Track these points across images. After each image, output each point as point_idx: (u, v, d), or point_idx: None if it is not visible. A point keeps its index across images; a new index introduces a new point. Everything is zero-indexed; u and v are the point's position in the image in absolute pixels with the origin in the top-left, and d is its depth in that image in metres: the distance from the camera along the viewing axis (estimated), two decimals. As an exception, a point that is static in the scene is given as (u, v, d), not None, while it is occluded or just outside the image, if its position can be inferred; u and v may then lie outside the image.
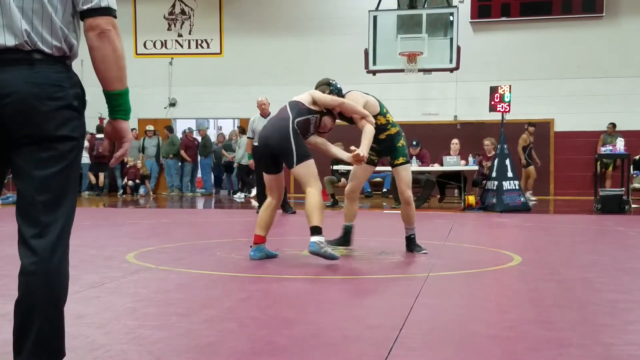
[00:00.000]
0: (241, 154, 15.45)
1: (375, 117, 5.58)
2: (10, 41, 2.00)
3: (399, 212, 6.01)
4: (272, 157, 5.33)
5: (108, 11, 2.08)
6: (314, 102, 5.38)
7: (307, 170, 5.19)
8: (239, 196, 16.12)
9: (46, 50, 2.04)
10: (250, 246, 5.41)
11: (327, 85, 5.62)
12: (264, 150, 5.37)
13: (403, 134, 5.84)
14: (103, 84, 2.12)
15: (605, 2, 15.85)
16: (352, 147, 5.34)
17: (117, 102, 2.14)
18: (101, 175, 16.80)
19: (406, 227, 5.91)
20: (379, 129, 5.62)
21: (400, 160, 5.73)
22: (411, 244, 5.90)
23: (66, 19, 2.07)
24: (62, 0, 2.05)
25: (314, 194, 5.13)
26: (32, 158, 2.03)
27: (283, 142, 5.17)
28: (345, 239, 6.02)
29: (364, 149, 5.32)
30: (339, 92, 5.59)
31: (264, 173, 5.52)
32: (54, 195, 2.06)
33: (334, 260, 5.09)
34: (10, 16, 2.00)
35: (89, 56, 2.08)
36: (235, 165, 16.30)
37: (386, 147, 5.76)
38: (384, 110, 5.73)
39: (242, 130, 16.69)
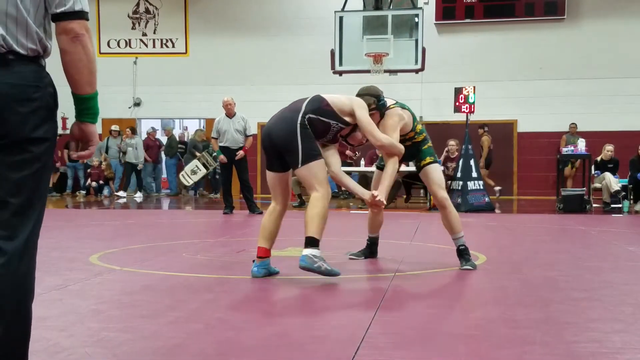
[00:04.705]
0: (133, 154, 16.34)
1: (406, 134, 5.02)
2: None
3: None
4: (276, 152, 4.57)
5: (81, 15, 2.05)
6: (350, 113, 4.58)
7: (313, 172, 4.43)
8: (123, 194, 16.22)
9: (21, 51, 2.00)
10: (253, 260, 4.67)
11: (375, 99, 4.82)
12: (267, 145, 4.59)
13: (429, 137, 5.29)
14: (73, 87, 2.09)
15: (566, 5, 16.13)
16: (374, 192, 4.70)
17: (87, 106, 2.13)
18: (54, 176, 16.66)
19: (452, 237, 5.14)
20: (406, 139, 5.04)
21: (428, 160, 5.13)
22: (461, 258, 5.06)
23: (38, 21, 2.04)
24: (34, 3, 2.02)
25: (317, 199, 4.41)
26: (6, 160, 1.99)
27: (288, 137, 4.42)
28: (371, 250, 5.60)
29: (383, 194, 4.68)
30: (383, 108, 4.88)
31: (267, 171, 4.72)
32: (26, 197, 2.02)
33: (334, 275, 4.43)
34: None
35: (60, 58, 2.06)
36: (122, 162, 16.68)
37: (410, 153, 5.16)
38: (415, 123, 5.13)
39: (134, 130, 16.68)
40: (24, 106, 1.98)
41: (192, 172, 15.69)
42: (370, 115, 4.70)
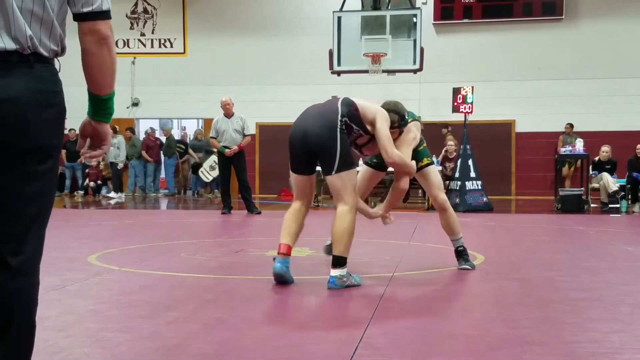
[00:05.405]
0: (114, 154, 16.07)
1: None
2: (10, 45, 1.87)
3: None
4: (309, 154, 4.36)
5: (108, 15, 1.98)
6: (372, 122, 4.41)
7: (344, 181, 4.28)
8: (120, 196, 15.94)
9: (43, 53, 1.93)
10: (274, 258, 4.46)
11: (400, 117, 4.66)
12: (300, 145, 4.35)
13: (423, 138, 5.18)
14: (93, 88, 2.03)
15: (564, 5, 16.15)
16: (383, 215, 4.84)
17: (105, 106, 2.07)
18: None
19: (451, 239, 5.14)
20: None
21: (425, 161, 5.05)
22: (460, 258, 5.07)
23: (59, 21, 1.97)
24: (58, 0, 1.95)
25: (345, 213, 4.28)
26: (25, 170, 1.90)
27: (328, 140, 4.23)
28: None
29: (386, 211, 4.83)
30: (404, 127, 4.74)
31: (292, 173, 4.51)
32: (39, 208, 1.96)
33: (358, 285, 4.35)
34: (13, 20, 1.88)
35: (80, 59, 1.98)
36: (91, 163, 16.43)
37: None
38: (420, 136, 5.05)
39: (115, 130, 16.59)
40: (46, 112, 1.91)
41: (211, 167, 15.61)
42: (390, 132, 4.53)
